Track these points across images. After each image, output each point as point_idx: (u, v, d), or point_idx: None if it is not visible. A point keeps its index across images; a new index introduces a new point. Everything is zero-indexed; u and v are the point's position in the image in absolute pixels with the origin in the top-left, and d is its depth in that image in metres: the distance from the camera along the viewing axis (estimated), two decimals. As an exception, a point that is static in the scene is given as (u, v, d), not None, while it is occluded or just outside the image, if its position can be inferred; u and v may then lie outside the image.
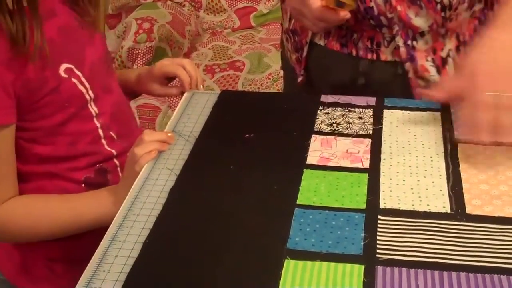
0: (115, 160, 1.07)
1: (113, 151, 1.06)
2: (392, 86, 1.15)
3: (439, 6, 1.06)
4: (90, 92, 1.01)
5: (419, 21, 1.08)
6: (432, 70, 1.13)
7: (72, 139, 1.01)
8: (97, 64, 1.04)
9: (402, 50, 1.11)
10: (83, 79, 0.99)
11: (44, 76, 0.94)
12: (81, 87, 0.99)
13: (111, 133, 1.06)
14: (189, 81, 1.12)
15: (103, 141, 1.05)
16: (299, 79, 1.26)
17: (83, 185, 1.04)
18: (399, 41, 1.11)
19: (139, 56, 2.49)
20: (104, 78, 1.06)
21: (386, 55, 1.14)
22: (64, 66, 0.97)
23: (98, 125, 1.04)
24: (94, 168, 1.05)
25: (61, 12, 0.99)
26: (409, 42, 1.11)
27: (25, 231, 0.99)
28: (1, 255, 1.10)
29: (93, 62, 1.02)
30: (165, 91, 1.18)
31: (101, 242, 0.79)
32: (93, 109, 1.02)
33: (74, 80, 0.98)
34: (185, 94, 1.13)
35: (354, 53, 1.16)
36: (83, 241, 0.95)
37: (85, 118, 1.02)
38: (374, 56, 1.15)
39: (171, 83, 1.18)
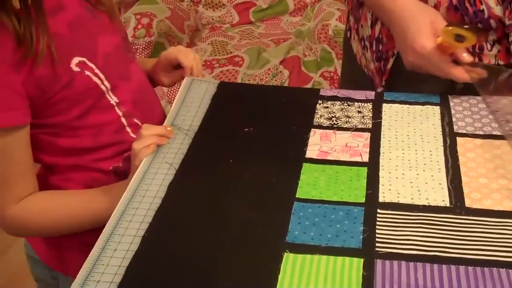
0: None
1: None
2: None
3: None
4: (106, 83, 1.00)
5: None
6: None
7: (95, 131, 1.01)
8: (113, 53, 1.03)
9: None
10: (97, 71, 0.98)
11: (56, 72, 0.93)
12: (95, 79, 0.98)
13: (135, 120, 1.05)
14: (190, 66, 1.11)
15: (128, 129, 1.05)
16: (379, 90, 1.20)
17: (112, 174, 1.04)
18: None
19: (138, 51, 2.49)
20: (121, 65, 1.05)
21: (489, 58, 1.11)
22: (76, 59, 0.96)
23: (120, 113, 1.03)
24: (122, 157, 1.04)
25: (70, 4, 0.98)
26: None
27: (44, 227, 1.00)
28: (36, 237, 1.11)
29: (107, 51, 1.01)
30: (171, 78, 1.17)
31: (100, 236, 0.79)
32: (112, 98, 1.02)
33: (87, 72, 0.97)
34: (184, 81, 1.12)
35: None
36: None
37: (105, 108, 1.01)
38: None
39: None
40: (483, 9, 1.06)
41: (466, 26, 1.01)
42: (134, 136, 1.04)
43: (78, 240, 1.06)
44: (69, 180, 1.02)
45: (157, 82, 1.19)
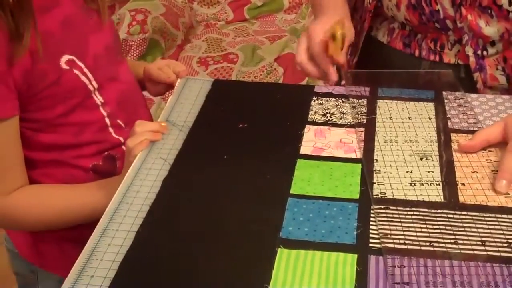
0: (123, 147, 1.07)
1: (121, 138, 1.06)
2: None
3: (511, 15, 1.04)
4: (94, 82, 1.00)
5: (490, 30, 1.07)
6: (502, 79, 1.12)
7: (78, 129, 1.01)
8: (103, 53, 1.03)
9: (472, 60, 1.10)
10: (85, 70, 0.99)
11: (44, 68, 0.93)
12: (83, 78, 0.98)
13: (118, 121, 1.05)
14: (172, 79, 1.14)
15: (111, 129, 1.05)
16: (342, 83, 1.24)
17: (91, 172, 1.04)
18: (469, 51, 1.10)
19: (133, 48, 2.48)
20: (110, 66, 1.05)
21: (449, 57, 1.14)
22: (65, 57, 0.96)
23: (105, 114, 1.03)
24: (102, 156, 1.04)
25: (65, 1, 0.99)
26: (479, 52, 1.10)
27: (34, 220, 1.00)
28: (17, 231, 1.11)
29: (97, 51, 1.01)
30: (156, 89, 1.19)
31: (94, 231, 0.79)
32: (98, 98, 1.02)
33: (76, 71, 0.97)
34: (179, 81, 1.13)
35: (416, 53, 1.17)
36: (93, 222, 0.96)
37: (90, 107, 1.01)
38: (437, 58, 1.14)
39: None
40: (438, 10, 1.07)
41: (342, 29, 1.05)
42: (116, 137, 1.05)
43: (56, 235, 1.06)
44: (48, 175, 1.01)
45: (145, 89, 1.21)
